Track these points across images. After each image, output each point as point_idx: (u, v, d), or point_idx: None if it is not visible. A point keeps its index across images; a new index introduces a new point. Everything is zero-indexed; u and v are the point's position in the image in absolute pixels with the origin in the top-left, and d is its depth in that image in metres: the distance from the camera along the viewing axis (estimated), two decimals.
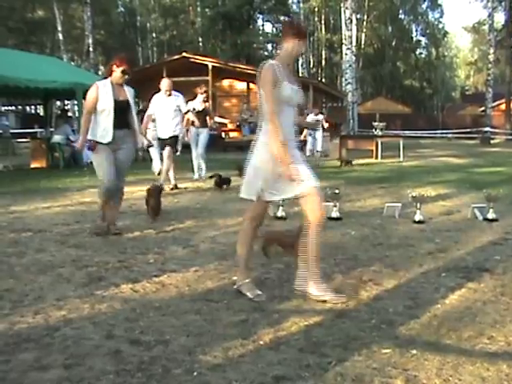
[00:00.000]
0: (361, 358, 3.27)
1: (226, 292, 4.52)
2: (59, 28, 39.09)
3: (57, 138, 16.56)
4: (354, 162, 17.10)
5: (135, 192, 10.00)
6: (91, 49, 39.62)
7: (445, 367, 3.16)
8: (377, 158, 19.73)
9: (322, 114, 20.64)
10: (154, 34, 56.76)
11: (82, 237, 6.59)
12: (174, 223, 7.35)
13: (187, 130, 12.34)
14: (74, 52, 49.97)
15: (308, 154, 19.49)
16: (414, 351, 3.36)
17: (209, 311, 4.07)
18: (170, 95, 10.55)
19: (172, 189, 10.73)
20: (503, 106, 42.72)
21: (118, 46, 52.40)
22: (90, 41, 39.03)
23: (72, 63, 44.86)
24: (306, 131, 18.76)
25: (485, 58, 39.69)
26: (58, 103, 37.74)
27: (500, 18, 44.43)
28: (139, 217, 7.82)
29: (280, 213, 7.70)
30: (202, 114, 12.29)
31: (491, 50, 35.41)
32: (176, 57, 27.56)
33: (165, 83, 10.63)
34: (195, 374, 3.07)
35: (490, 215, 7.63)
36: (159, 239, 6.48)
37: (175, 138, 10.69)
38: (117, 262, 5.41)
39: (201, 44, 51.88)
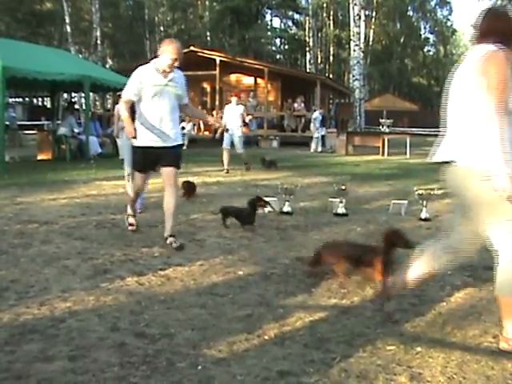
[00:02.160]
0: (365, 355, 3.27)
1: (231, 286, 4.52)
2: (67, 20, 39.08)
3: (62, 130, 16.58)
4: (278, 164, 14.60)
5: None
6: (99, 41, 39.69)
7: (449, 365, 3.16)
8: (383, 154, 19.69)
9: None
10: (162, 28, 56.67)
11: (88, 229, 6.60)
12: (180, 217, 7.34)
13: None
14: (82, 44, 49.87)
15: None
16: (419, 348, 3.36)
17: (214, 305, 4.07)
18: None
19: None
20: None
21: (125, 39, 52.41)
22: (98, 33, 39.08)
23: (80, 56, 44.80)
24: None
25: None
26: (66, 95, 37.75)
27: None
28: (146, 210, 7.81)
29: (286, 208, 7.70)
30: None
31: None
32: (184, 51, 27.32)
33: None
34: (199, 367, 3.07)
35: None
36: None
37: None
38: (122, 255, 5.42)
39: (209, 38, 51.80)
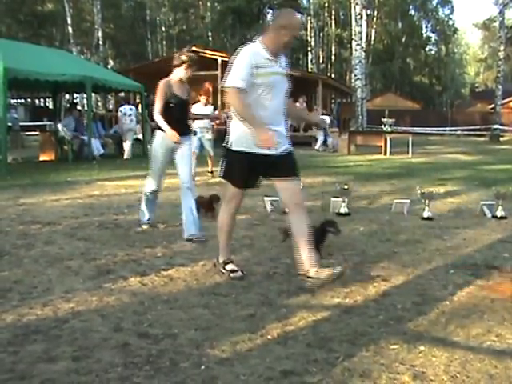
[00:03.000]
0: (368, 354, 3.27)
1: (233, 286, 4.53)
2: (69, 21, 39.05)
3: (59, 127, 16.61)
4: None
5: (143, 186, 10.02)
6: (101, 42, 39.65)
7: (452, 364, 3.16)
8: (385, 154, 19.67)
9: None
10: (163, 28, 56.73)
11: (91, 230, 6.61)
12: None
13: None
14: (84, 45, 49.94)
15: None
16: (422, 347, 3.36)
17: (217, 305, 4.08)
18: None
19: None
20: None
21: (127, 39, 52.45)
22: (100, 34, 39.05)
23: (81, 56, 44.85)
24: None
25: (495, 54, 39.44)
26: (68, 96, 37.80)
27: (511, 15, 44.26)
28: None
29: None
30: None
31: (501, 47, 35.18)
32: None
33: None
34: (203, 367, 3.08)
35: (499, 213, 7.60)
36: (167, 233, 6.49)
37: None
38: (125, 256, 5.43)
39: (210, 39, 51.81)
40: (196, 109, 11.94)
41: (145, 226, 6.67)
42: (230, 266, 4.83)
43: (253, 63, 4.31)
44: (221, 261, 4.88)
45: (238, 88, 4.29)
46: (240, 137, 4.46)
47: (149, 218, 6.71)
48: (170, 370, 3.04)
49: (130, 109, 17.83)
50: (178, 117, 6.21)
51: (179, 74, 6.28)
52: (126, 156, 16.98)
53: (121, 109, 17.93)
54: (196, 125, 11.45)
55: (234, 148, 4.52)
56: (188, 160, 6.33)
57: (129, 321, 3.74)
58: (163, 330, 3.58)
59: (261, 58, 4.37)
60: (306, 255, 4.40)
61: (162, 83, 6.20)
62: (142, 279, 4.70)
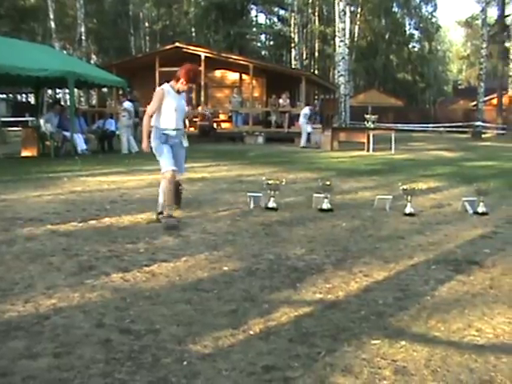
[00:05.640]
0: (350, 349, 3.29)
1: (216, 282, 4.53)
2: (51, 16, 38.65)
3: (41, 123, 16.53)
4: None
5: (126, 182, 10.01)
6: (83, 37, 39.35)
7: (433, 358, 3.19)
8: (368, 150, 19.74)
9: None
10: (146, 24, 56.43)
11: (73, 225, 6.57)
12: (164, 214, 7.33)
13: None
14: (66, 40, 49.49)
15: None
16: (403, 342, 3.38)
17: (199, 301, 4.08)
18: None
19: None
20: (495, 101, 42.72)
21: (110, 34, 52.09)
22: (83, 29, 38.72)
23: (64, 51, 44.48)
24: None
25: (477, 52, 39.68)
26: (50, 92, 37.52)
27: (493, 13, 44.37)
28: (129, 206, 7.80)
29: (271, 204, 7.70)
30: None
31: (484, 45, 35.50)
32: (168, 47, 27.40)
33: None
34: (185, 363, 3.08)
35: (480, 209, 7.66)
36: (150, 229, 6.47)
37: None
38: (107, 251, 5.41)
39: (194, 34, 51.63)
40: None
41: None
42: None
43: None
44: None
45: None
46: None
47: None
48: (152, 365, 3.04)
49: (131, 106, 17.92)
50: None
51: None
52: (125, 151, 17.06)
53: (124, 105, 17.91)
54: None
55: None
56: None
57: (111, 317, 3.73)
58: (145, 326, 3.57)
59: None
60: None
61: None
62: (125, 275, 4.69)
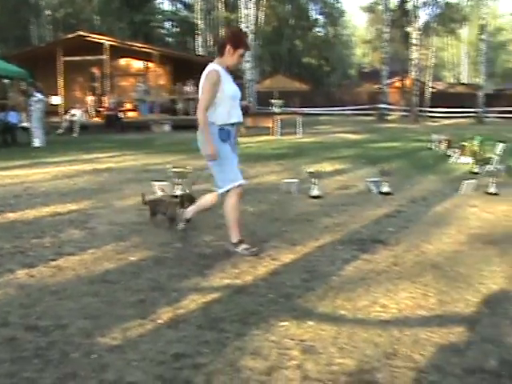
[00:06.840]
0: (259, 332, 3.31)
1: (123, 272, 4.46)
2: None
3: None
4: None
5: (30, 175, 9.69)
6: None
7: (340, 336, 3.26)
8: (275, 135, 19.91)
9: None
10: (48, 12, 54.60)
11: None
12: (70, 205, 7.15)
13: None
14: None
15: None
16: (311, 322, 3.44)
17: (107, 293, 4.00)
18: None
19: None
20: (398, 84, 44.10)
21: (9, 23, 50.09)
22: None
23: None
24: None
25: (380, 37, 40.64)
26: None
27: None
28: (34, 200, 7.55)
29: (178, 192, 7.63)
30: None
31: (386, 29, 36.49)
32: (71, 35, 26.67)
33: None
34: (94, 356, 3.03)
35: (385, 189, 7.88)
36: (55, 222, 6.28)
37: None
38: (11, 248, 5.21)
39: (98, 22, 50.44)
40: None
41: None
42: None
43: None
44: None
45: None
46: None
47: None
48: (59, 361, 2.97)
49: (43, 97, 17.39)
50: None
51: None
52: (38, 144, 16.43)
53: (38, 96, 17.26)
54: None
55: None
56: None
57: (16, 314, 3.61)
58: (52, 322, 3.48)
59: None
60: None
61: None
62: (30, 271, 4.53)
